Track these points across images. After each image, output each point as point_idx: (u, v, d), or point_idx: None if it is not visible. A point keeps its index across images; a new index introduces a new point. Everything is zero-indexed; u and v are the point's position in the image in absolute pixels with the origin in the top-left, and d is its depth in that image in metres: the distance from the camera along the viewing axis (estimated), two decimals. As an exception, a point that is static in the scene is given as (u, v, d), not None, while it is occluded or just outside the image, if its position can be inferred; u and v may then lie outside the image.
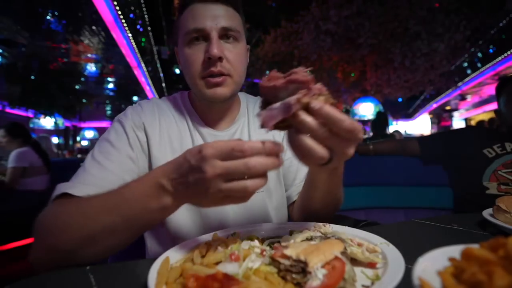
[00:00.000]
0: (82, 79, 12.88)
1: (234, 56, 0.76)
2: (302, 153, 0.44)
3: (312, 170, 0.68)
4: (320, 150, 0.43)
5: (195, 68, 0.75)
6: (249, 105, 0.95)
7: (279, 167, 0.45)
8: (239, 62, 0.78)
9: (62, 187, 0.62)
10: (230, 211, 0.79)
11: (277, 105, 0.43)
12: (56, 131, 14.64)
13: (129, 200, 0.51)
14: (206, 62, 0.74)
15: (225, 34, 0.75)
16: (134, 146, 0.76)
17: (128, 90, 15.84)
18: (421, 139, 1.62)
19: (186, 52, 0.76)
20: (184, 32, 0.75)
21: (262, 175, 0.44)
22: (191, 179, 0.44)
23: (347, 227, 0.59)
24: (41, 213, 0.58)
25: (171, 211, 0.51)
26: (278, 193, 0.89)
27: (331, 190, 0.69)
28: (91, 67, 12.62)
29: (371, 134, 5.01)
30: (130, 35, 9.75)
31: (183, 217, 0.77)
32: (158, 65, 14.98)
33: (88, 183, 0.64)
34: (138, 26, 10.76)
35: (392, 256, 0.44)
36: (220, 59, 0.73)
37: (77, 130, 18.28)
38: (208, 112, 0.85)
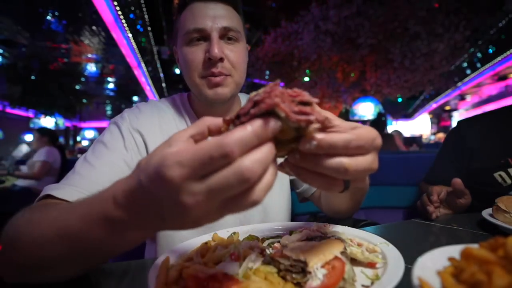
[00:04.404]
0: (82, 79, 12.87)
1: (234, 56, 0.75)
2: (329, 177, 0.34)
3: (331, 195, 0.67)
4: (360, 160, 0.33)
5: (194, 68, 0.75)
6: None
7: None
8: (240, 62, 0.77)
9: (48, 188, 0.59)
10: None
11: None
12: (57, 131, 14.65)
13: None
14: (206, 62, 0.73)
15: (226, 34, 0.75)
16: (130, 149, 0.73)
17: (128, 90, 15.83)
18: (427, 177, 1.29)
19: (185, 52, 0.75)
20: (184, 31, 0.74)
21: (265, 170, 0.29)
22: (162, 213, 0.30)
23: (347, 227, 0.59)
24: (14, 216, 0.49)
25: (132, 236, 0.36)
26: (280, 194, 0.88)
27: (356, 199, 0.71)
28: (91, 67, 12.61)
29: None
30: (130, 35, 9.74)
31: None
32: (158, 65, 14.96)
33: (75, 184, 0.61)
34: (138, 26, 10.75)
35: (391, 256, 0.44)
36: (221, 59, 0.73)
37: (77, 130, 18.28)
38: (207, 114, 0.83)
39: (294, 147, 0.33)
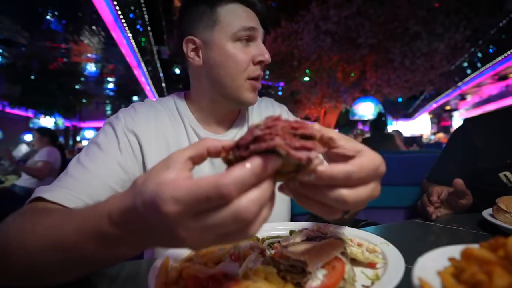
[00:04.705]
0: (82, 79, 12.89)
1: None
2: (330, 207, 0.34)
3: None
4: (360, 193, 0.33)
5: (244, 68, 0.74)
6: (249, 107, 0.92)
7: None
8: None
9: (39, 191, 0.57)
10: None
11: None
12: (56, 131, 14.65)
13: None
14: (256, 64, 0.75)
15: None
16: (124, 151, 0.70)
17: (128, 90, 15.84)
18: (429, 175, 1.28)
19: (234, 50, 0.74)
20: (235, 28, 0.73)
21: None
22: (156, 237, 0.31)
23: (347, 227, 0.59)
24: (4, 221, 0.48)
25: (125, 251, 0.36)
26: (280, 196, 0.88)
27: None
28: (91, 67, 12.62)
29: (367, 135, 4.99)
30: (130, 35, 9.74)
31: None
32: (158, 65, 14.96)
33: (67, 187, 0.59)
34: (138, 26, 10.75)
35: (392, 256, 0.44)
36: None
37: (77, 130, 18.28)
38: (208, 115, 0.83)
39: (294, 176, 0.32)
